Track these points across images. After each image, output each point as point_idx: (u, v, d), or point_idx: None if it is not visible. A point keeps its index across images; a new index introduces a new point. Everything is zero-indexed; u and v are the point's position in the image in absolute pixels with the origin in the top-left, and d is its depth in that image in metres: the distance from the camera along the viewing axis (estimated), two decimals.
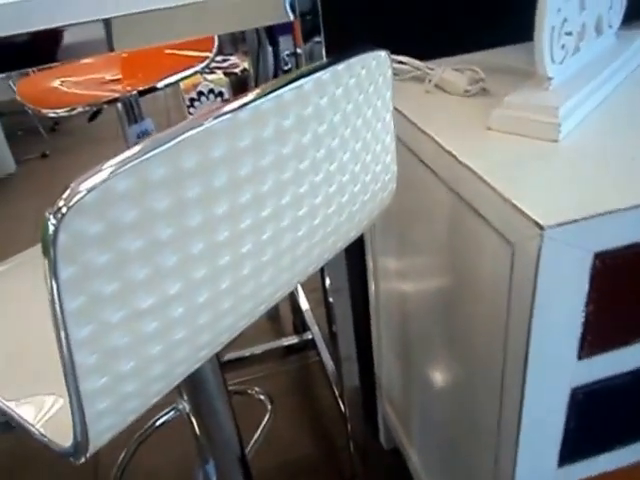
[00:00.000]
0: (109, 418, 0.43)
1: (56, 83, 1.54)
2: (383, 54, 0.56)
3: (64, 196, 0.35)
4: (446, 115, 0.83)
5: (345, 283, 1.18)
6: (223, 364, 1.62)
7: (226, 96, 2.98)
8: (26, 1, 0.70)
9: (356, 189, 0.59)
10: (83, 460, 0.45)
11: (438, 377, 0.99)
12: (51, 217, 0.35)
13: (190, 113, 2.94)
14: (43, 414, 0.50)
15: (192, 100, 2.94)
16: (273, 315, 1.83)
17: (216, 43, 1.57)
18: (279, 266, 0.52)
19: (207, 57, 1.56)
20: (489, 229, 0.66)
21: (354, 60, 0.50)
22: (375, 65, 0.55)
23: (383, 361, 1.32)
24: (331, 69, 0.47)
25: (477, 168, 0.67)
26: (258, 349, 1.65)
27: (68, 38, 0.74)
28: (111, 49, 0.76)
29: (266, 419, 1.27)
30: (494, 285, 0.68)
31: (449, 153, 0.72)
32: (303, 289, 1.74)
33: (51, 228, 0.35)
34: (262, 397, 1.36)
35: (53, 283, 0.36)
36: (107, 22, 0.73)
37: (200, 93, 2.95)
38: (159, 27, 0.76)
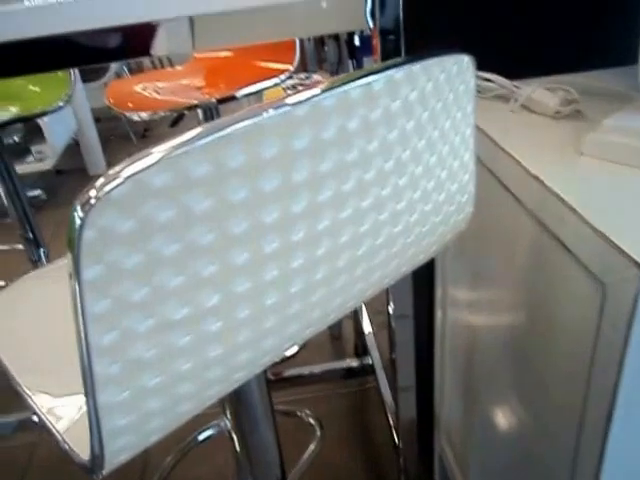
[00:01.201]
0: (128, 436, 0.39)
1: (140, 88, 1.57)
2: (466, 59, 0.50)
3: (95, 186, 0.32)
4: (533, 137, 0.75)
5: (410, 310, 1.11)
6: (279, 380, 1.58)
7: None
8: None
9: (427, 208, 0.53)
10: (100, 477, 0.41)
11: (505, 420, 0.91)
12: (78, 209, 0.31)
13: None
14: (69, 422, 0.47)
15: None
16: (335, 334, 1.77)
17: (297, 55, 1.56)
18: (332, 287, 0.47)
19: (288, 69, 1.55)
20: (577, 265, 0.58)
21: (432, 61, 0.45)
22: (456, 71, 0.49)
23: (444, 395, 1.23)
24: (405, 68, 0.42)
25: (567, 196, 0.59)
26: (317, 368, 1.60)
27: (155, 34, 0.73)
28: (193, 47, 0.75)
29: (314, 444, 1.21)
30: (577, 330, 0.59)
31: (535, 178, 0.65)
32: (368, 311, 1.68)
33: (77, 221, 0.31)
34: (312, 421, 1.30)
35: (76, 282, 0.33)
36: (191, 20, 0.72)
37: None
38: (241, 27, 0.74)
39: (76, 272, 0.32)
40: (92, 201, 0.31)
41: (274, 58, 1.57)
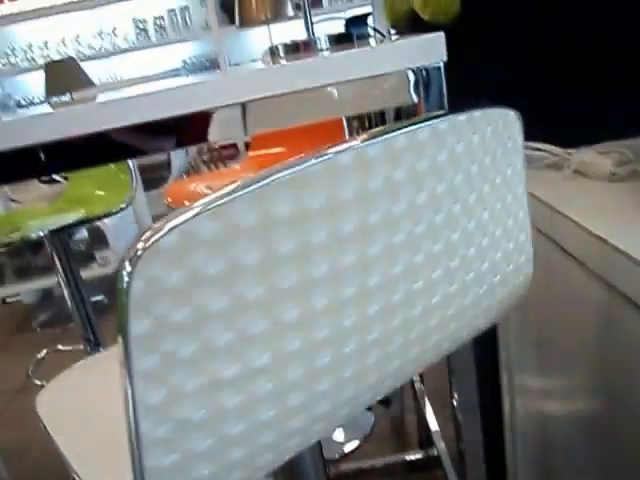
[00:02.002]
0: None
1: (195, 186, 1.65)
2: (512, 114, 0.49)
3: (142, 238, 0.32)
4: (591, 200, 0.73)
5: (475, 402, 1.05)
6: (339, 476, 1.50)
7: None
8: (176, 89, 0.74)
9: (484, 267, 0.51)
10: None
11: None
12: (127, 262, 0.31)
13: None
14: None
15: None
16: (397, 428, 1.69)
17: (346, 135, 1.61)
18: (387, 349, 0.45)
19: None
20: None
21: (478, 114, 0.45)
22: (502, 125, 0.49)
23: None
24: (450, 118, 0.42)
25: (636, 254, 0.56)
26: (379, 462, 1.51)
27: (210, 121, 0.76)
28: (245, 132, 0.78)
29: None
30: None
31: (599, 238, 0.62)
32: (431, 403, 1.60)
33: (125, 275, 0.31)
34: None
35: (123, 338, 0.32)
36: (243, 106, 0.75)
37: None
38: (290, 110, 0.76)
39: (125, 326, 0.32)
40: (139, 252, 0.31)
41: (323, 140, 1.62)
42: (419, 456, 1.50)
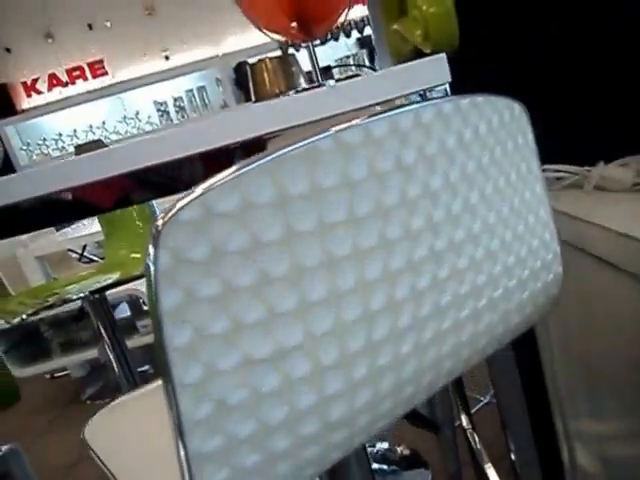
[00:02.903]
0: None
1: None
2: (517, 105, 0.51)
3: (164, 211, 0.34)
4: (615, 209, 0.73)
5: (532, 453, 1.02)
6: None
7: None
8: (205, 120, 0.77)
9: (510, 260, 0.51)
10: None
11: None
12: (151, 235, 0.33)
13: None
14: None
15: None
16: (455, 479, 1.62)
17: None
18: (421, 337, 0.45)
19: None
20: None
21: (481, 99, 0.46)
22: (509, 117, 0.50)
23: None
24: (453, 99, 0.43)
25: None
26: None
27: (234, 155, 0.79)
28: None
29: None
30: None
31: (630, 237, 0.62)
32: (488, 454, 1.53)
33: (151, 247, 0.33)
34: None
35: (154, 311, 0.33)
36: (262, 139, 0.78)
37: None
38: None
39: (155, 297, 0.33)
40: (162, 223, 0.33)
41: None
42: None
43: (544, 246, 0.56)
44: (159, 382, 0.75)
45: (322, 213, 0.38)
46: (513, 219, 0.52)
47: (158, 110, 4.69)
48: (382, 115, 0.39)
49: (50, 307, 1.43)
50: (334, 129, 0.37)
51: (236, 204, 0.35)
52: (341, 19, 1.36)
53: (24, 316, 1.37)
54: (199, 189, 0.34)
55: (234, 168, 0.35)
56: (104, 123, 4.73)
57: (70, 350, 3.09)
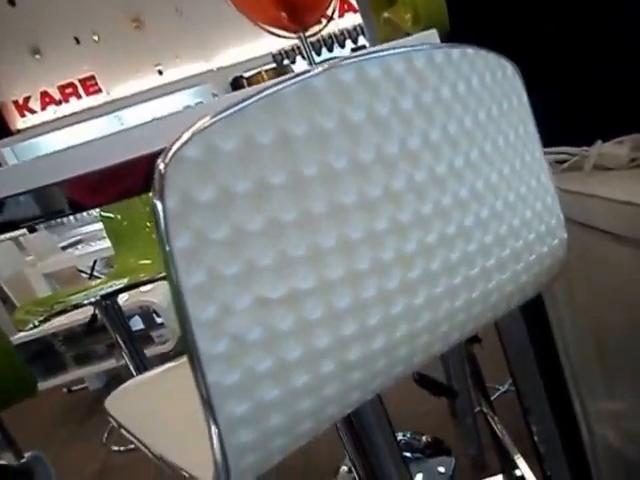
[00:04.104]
0: (252, 454, 0.38)
1: None
2: (510, 65, 0.52)
3: (168, 148, 0.34)
4: (616, 183, 0.74)
5: (553, 431, 1.02)
6: None
7: None
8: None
9: (515, 222, 0.52)
10: None
11: None
12: (157, 174, 0.34)
13: None
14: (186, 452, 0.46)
15: None
16: (480, 466, 1.63)
17: None
18: (434, 288, 0.46)
19: None
20: None
21: (471, 50, 0.47)
22: (502, 75, 0.51)
23: None
24: (444, 47, 0.44)
25: None
26: None
27: None
28: None
29: None
30: None
31: (628, 204, 0.62)
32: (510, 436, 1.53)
33: (158, 187, 0.34)
34: None
35: (166, 253, 0.34)
36: None
37: None
38: None
39: (167, 242, 0.34)
40: (167, 161, 0.34)
41: None
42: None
43: (547, 210, 0.57)
44: (179, 361, 0.76)
45: (325, 157, 0.39)
46: (515, 180, 0.53)
47: None
48: (374, 55, 0.40)
49: (61, 313, 1.44)
50: (327, 65, 0.38)
51: (239, 142, 0.35)
52: (330, 8, 1.37)
53: (36, 322, 1.37)
54: (198, 124, 0.35)
55: (230, 104, 0.35)
56: None
57: (85, 362, 3.10)
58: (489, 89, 0.50)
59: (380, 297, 0.43)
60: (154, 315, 3.23)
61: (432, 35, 0.75)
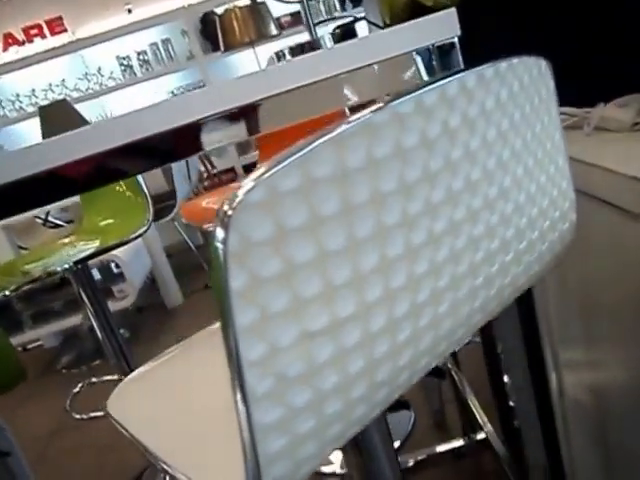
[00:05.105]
0: (283, 463, 0.38)
1: (209, 203, 1.66)
2: (544, 62, 0.51)
3: (233, 195, 0.33)
4: (618, 149, 0.74)
5: (527, 377, 1.05)
6: None
7: None
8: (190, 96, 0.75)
9: (534, 213, 0.52)
10: None
11: None
12: (221, 219, 0.33)
13: None
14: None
15: None
16: (439, 421, 1.68)
17: None
18: (457, 294, 0.46)
19: None
20: None
21: (516, 61, 0.47)
22: (537, 73, 0.50)
23: (577, 467, 1.12)
24: (495, 64, 0.43)
25: None
26: (421, 454, 1.51)
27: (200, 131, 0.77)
28: (257, 131, 0.78)
29: None
30: None
31: (634, 179, 0.63)
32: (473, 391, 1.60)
33: (221, 232, 0.33)
34: None
35: (222, 295, 0.33)
36: (254, 105, 0.76)
37: None
38: (302, 103, 0.77)
39: (225, 283, 0.33)
40: (233, 207, 0.33)
41: None
42: (464, 443, 1.50)
43: (562, 196, 0.57)
44: (169, 354, 0.75)
45: (377, 182, 0.38)
46: (537, 171, 0.52)
47: (121, 65, 4.52)
48: (432, 85, 0.39)
49: (33, 281, 1.40)
50: (387, 101, 0.37)
51: (299, 181, 0.34)
52: None
53: (7, 292, 1.33)
54: (263, 169, 0.33)
55: (297, 147, 0.34)
56: (64, 81, 4.54)
57: (42, 322, 3.05)
58: (525, 90, 0.49)
59: (411, 311, 0.43)
60: (113, 268, 3.18)
61: (451, 14, 0.74)
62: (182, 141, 0.77)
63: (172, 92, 4.66)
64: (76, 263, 1.44)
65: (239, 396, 0.35)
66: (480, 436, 1.47)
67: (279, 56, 1.09)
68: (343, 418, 0.40)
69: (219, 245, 0.32)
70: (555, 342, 1.04)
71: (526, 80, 0.48)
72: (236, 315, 0.33)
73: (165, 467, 0.49)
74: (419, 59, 0.77)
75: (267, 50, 4.38)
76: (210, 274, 0.33)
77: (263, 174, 0.33)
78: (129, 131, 0.74)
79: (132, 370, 1.85)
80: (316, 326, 0.37)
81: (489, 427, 1.41)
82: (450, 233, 0.43)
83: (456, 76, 0.41)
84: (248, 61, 4.44)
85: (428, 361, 0.46)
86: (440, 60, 0.77)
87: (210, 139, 0.77)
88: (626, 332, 0.77)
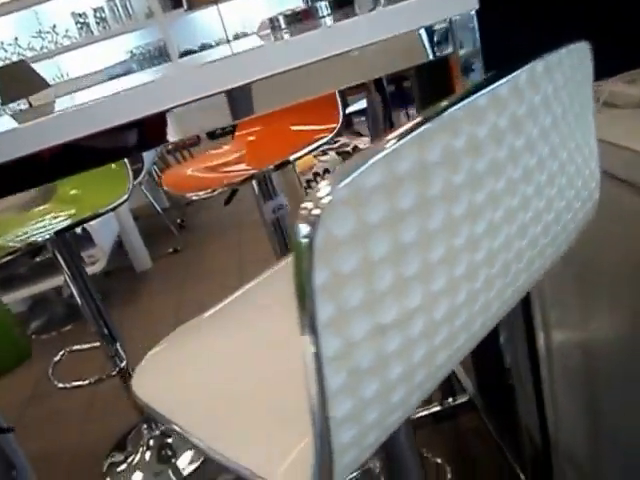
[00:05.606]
0: (352, 452, 0.38)
1: (192, 171, 1.63)
2: (586, 45, 0.51)
3: (320, 193, 0.32)
4: (627, 125, 0.75)
5: (516, 338, 1.08)
6: None
7: None
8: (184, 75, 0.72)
9: (571, 194, 0.53)
10: None
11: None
12: (308, 216, 0.32)
13: (307, 194, 3.01)
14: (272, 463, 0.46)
15: (309, 182, 3.02)
16: None
17: (340, 112, 1.59)
18: (508, 275, 0.47)
19: (333, 128, 1.58)
20: None
21: (564, 51, 0.46)
22: (578, 60, 0.50)
23: (560, 417, 1.18)
24: (559, 52, 0.43)
25: None
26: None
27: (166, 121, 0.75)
28: (252, 112, 0.76)
29: None
30: None
31: None
32: None
33: (307, 228, 0.32)
34: (439, 461, 1.25)
35: (304, 291, 0.33)
36: (248, 87, 0.74)
37: (316, 174, 3.03)
38: (297, 84, 0.75)
39: (308, 280, 0.32)
40: (321, 205, 0.32)
41: (314, 121, 1.61)
42: (445, 406, 1.54)
43: (591, 175, 0.57)
44: (181, 329, 0.74)
45: (450, 176, 0.37)
46: (576, 153, 0.53)
47: (77, 22, 4.31)
48: (504, 79, 0.39)
49: (16, 252, 1.36)
50: (462, 96, 0.36)
51: (382, 178, 0.34)
52: None
53: None
54: (350, 167, 0.33)
55: (381, 144, 0.33)
56: (17, 39, 4.32)
57: (9, 287, 2.97)
58: (568, 78, 0.49)
59: (468, 298, 0.43)
60: (82, 233, 3.11)
61: None
62: (154, 128, 0.74)
63: (131, 52, 4.47)
64: (57, 233, 1.40)
65: (316, 391, 0.35)
66: (461, 399, 1.52)
67: (273, 24, 1.05)
68: (403, 405, 0.41)
69: (304, 241, 0.32)
70: (546, 303, 1.07)
71: (569, 70, 0.48)
72: (318, 311, 0.33)
73: (221, 459, 0.48)
74: (425, 35, 0.75)
75: (233, 8, 4.23)
76: (294, 270, 0.33)
77: (351, 172, 0.32)
78: (109, 116, 0.70)
79: (113, 336, 1.83)
80: (387, 319, 0.37)
81: (471, 389, 1.46)
82: (507, 220, 0.44)
83: (525, 67, 0.41)
84: (210, 22, 4.29)
85: (475, 340, 0.47)
86: (455, 38, 0.76)
87: (190, 125, 0.74)
88: (620, 296, 0.80)
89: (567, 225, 0.55)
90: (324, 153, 3.04)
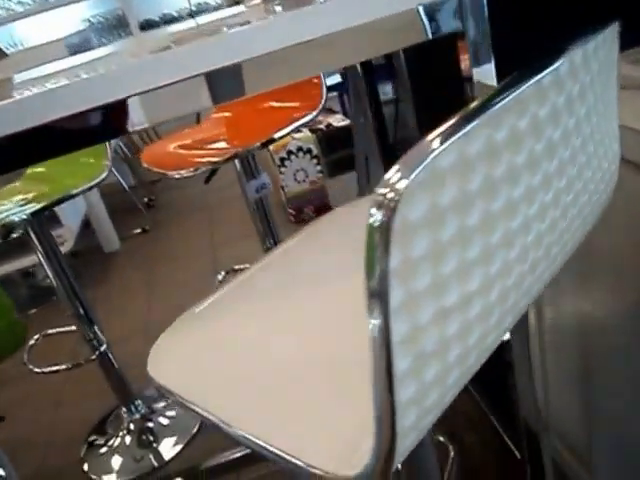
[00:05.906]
0: (412, 435, 0.38)
1: (174, 148, 1.59)
2: (616, 27, 0.51)
3: (395, 179, 0.31)
4: (633, 107, 0.76)
5: None
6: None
7: (314, 152, 3.01)
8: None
9: (598, 176, 0.53)
10: None
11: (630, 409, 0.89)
12: (386, 200, 0.31)
13: (281, 172, 2.98)
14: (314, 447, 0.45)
15: (282, 160, 2.99)
16: None
17: (324, 91, 1.57)
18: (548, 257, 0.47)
19: (313, 106, 1.56)
20: None
21: (608, 30, 0.46)
22: (614, 39, 0.50)
23: (550, 395, 1.21)
24: (596, 38, 0.43)
25: None
26: None
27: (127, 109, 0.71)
28: (243, 94, 0.74)
29: (450, 461, 1.17)
30: None
31: None
32: None
33: (384, 213, 0.31)
34: (441, 439, 1.27)
35: (380, 275, 0.32)
36: (237, 66, 0.71)
37: (289, 152, 3.00)
38: (288, 65, 0.73)
39: (384, 264, 0.32)
40: (400, 190, 0.31)
41: (295, 98, 1.59)
42: None
43: (614, 157, 0.58)
44: (194, 310, 0.71)
45: (513, 158, 0.37)
46: (603, 135, 0.53)
47: None
48: (561, 60, 0.38)
49: None
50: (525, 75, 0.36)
51: (455, 159, 0.33)
52: None
53: None
54: (425, 150, 0.31)
55: (453, 126, 0.32)
56: None
57: None
58: (600, 62, 0.49)
59: (517, 279, 0.43)
60: (48, 213, 3.02)
61: None
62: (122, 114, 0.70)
63: (89, 20, 4.30)
64: (33, 214, 1.35)
65: (382, 376, 0.34)
66: None
67: None
68: (455, 387, 0.41)
69: (381, 226, 0.31)
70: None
71: (602, 53, 0.48)
72: (390, 296, 0.32)
73: (262, 447, 0.46)
74: (424, 13, 0.74)
75: None
76: (366, 255, 0.32)
77: (427, 155, 0.31)
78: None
79: (90, 318, 1.79)
80: (449, 302, 0.37)
81: None
82: (553, 205, 0.44)
83: (564, 57, 0.40)
84: None
85: (515, 321, 0.47)
86: (462, 16, 0.75)
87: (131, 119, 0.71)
88: (616, 275, 0.81)
89: (588, 215, 0.55)
90: (298, 131, 3.01)
